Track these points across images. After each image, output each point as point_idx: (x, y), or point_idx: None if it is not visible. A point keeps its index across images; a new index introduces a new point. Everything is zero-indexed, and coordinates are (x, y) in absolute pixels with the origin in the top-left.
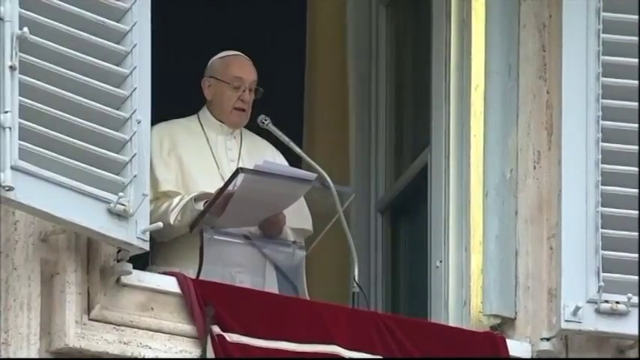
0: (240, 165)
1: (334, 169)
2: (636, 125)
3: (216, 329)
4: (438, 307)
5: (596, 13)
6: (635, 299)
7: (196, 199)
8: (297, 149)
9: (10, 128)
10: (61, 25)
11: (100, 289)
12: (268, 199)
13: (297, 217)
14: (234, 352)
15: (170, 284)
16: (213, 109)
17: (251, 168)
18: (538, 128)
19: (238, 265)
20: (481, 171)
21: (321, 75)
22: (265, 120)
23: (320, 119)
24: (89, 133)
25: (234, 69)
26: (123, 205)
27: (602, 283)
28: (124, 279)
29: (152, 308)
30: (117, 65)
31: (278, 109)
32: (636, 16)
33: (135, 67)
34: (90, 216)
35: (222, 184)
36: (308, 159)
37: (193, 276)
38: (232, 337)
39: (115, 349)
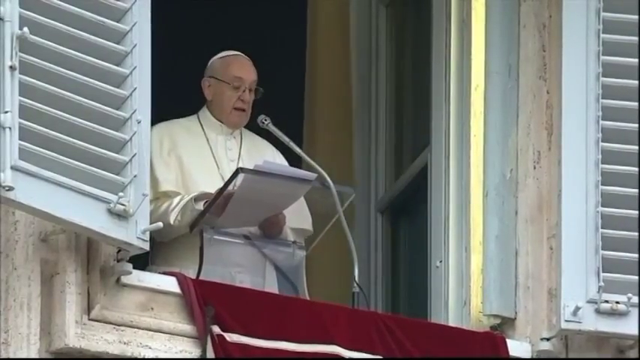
0: (240, 165)
1: (334, 169)
2: (636, 125)
3: (216, 329)
4: (438, 307)
5: (596, 13)
6: (635, 299)
7: (196, 199)
8: (297, 149)
9: (10, 128)
10: (61, 25)
11: (100, 289)
12: (268, 199)
13: (297, 217)
14: (234, 352)
15: (170, 284)
16: (213, 109)
17: (251, 168)
18: (538, 128)
19: (238, 265)
20: (481, 171)
21: (321, 75)
22: (265, 120)
23: (320, 119)
24: (89, 133)
25: (234, 69)
26: (123, 205)
27: (602, 283)
28: (124, 279)
29: (152, 308)
30: (117, 65)
31: (278, 109)
32: (636, 16)
33: (135, 67)
34: (90, 216)
35: (222, 184)
36: (308, 159)
37: (193, 276)
38: (232, 337)
39: (115, 349)
